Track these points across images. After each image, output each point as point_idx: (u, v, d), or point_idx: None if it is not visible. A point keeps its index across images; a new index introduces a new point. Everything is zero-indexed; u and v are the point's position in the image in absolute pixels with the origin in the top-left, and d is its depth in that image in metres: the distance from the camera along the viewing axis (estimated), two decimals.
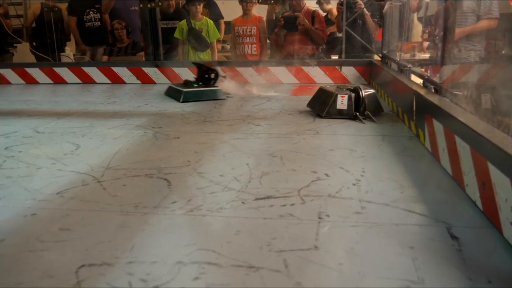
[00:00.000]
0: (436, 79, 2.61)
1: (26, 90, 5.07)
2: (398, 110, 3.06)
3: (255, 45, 5.36)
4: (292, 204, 1.61)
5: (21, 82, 5.47)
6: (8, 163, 2.18)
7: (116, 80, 5.30)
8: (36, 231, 1.44)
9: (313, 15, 5.08)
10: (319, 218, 1.50)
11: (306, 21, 4.96)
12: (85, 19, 5.96)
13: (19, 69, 5.49)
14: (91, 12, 5.94)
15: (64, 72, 5.39)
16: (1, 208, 1.64)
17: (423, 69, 3.28)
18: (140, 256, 1.27)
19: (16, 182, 1.92)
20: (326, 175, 1.92)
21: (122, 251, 1.30)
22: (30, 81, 5.46)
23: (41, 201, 1.70)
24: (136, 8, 5.93)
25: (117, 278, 1.16)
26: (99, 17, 5.96)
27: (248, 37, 5.36)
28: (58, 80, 5.40)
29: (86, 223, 1.50)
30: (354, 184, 1.80)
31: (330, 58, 5.50)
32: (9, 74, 5.50)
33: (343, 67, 4.86)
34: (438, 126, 2.05)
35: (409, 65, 3.42)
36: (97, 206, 1.64)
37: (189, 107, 3.59)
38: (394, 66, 3.96)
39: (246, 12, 5.35)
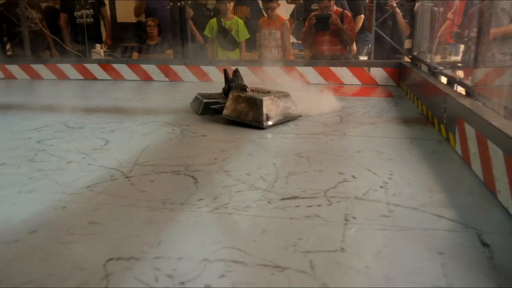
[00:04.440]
0: (468, 82, 2.56)
1: (58, 85, 5.18)
2: (428, 113, 3.00)
3: (279, 49, 5.35)
4: (318, 205, 1.60)
5: (53, 78, 5.60)
6: (39, 156, 2.24)
7: (145, 77, 5.37)
8: (66, 224, 1.48)
9: (342, 15, 5.04)
10: (346, 220, 1.48)
11: (338, 20, 4.92)
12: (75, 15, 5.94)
13: (51, 65, 5.63)
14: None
15: (94, 69, 5.50)
16: (32, 200, 1.69)
17: (455, 72, 3.21)
18: (167, 252, 1.28)
19: (47, 175, 1.96)
20: (353, 177, 1.90)
21: (149, 246, 1.31)
22: (62, 76, 5.58)
23: (71, 195, 1.73)
24: None
25: (144, 273, 1.18)
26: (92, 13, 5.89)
27: (272, 41, 5.36)
28: (89, 76, 5.51)
29: (114, 218, 1.53)
30: (381, 187, 1.78)
31: (358, 58, 5.44)
32: (42, 69, 5.64)
33: (371, 68, 4.80)
34: (469, 130, 2.00)
35: (440, 67, 3.36)
36: (126, 201, 1.67)
37: None
38: (424, 68, 3.89)
39: (269, 14, 5.33)
